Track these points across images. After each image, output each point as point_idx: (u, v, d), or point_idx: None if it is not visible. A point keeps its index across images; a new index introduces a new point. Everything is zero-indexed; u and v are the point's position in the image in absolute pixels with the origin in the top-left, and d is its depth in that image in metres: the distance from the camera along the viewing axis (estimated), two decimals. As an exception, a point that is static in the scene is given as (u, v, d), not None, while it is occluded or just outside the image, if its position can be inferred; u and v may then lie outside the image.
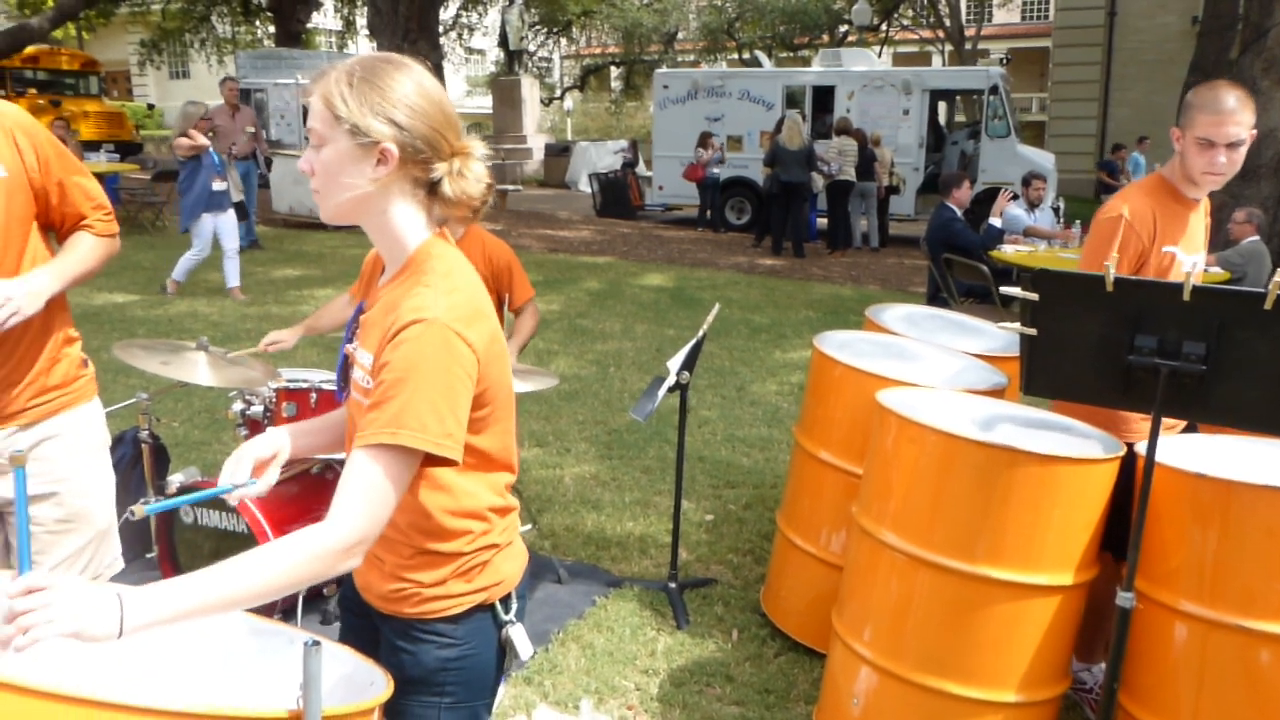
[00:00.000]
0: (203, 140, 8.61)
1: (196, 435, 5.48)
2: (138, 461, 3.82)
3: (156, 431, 3.93)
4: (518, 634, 1.66)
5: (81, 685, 1.04)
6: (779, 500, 4.70)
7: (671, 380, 3.52)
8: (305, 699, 1.13)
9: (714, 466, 5.25)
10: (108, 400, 2.57)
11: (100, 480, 2.38)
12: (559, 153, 22.53)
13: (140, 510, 1.61)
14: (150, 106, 35.58)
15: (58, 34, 24.04)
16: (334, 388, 1.77)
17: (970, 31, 28.25)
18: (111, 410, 2.66)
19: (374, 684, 1.46)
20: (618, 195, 17.03)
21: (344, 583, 1.76)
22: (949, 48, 28.89)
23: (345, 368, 1.60)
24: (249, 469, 1.64)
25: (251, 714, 1.12)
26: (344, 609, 1.81)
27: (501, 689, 3.16)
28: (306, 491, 3.60)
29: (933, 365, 3.48)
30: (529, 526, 4.15)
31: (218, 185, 8.69)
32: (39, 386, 2.21)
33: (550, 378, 3.74)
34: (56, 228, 2.25)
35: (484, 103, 33.08)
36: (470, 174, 1.51)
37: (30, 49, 20.10)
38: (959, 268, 7.26)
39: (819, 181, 12.99)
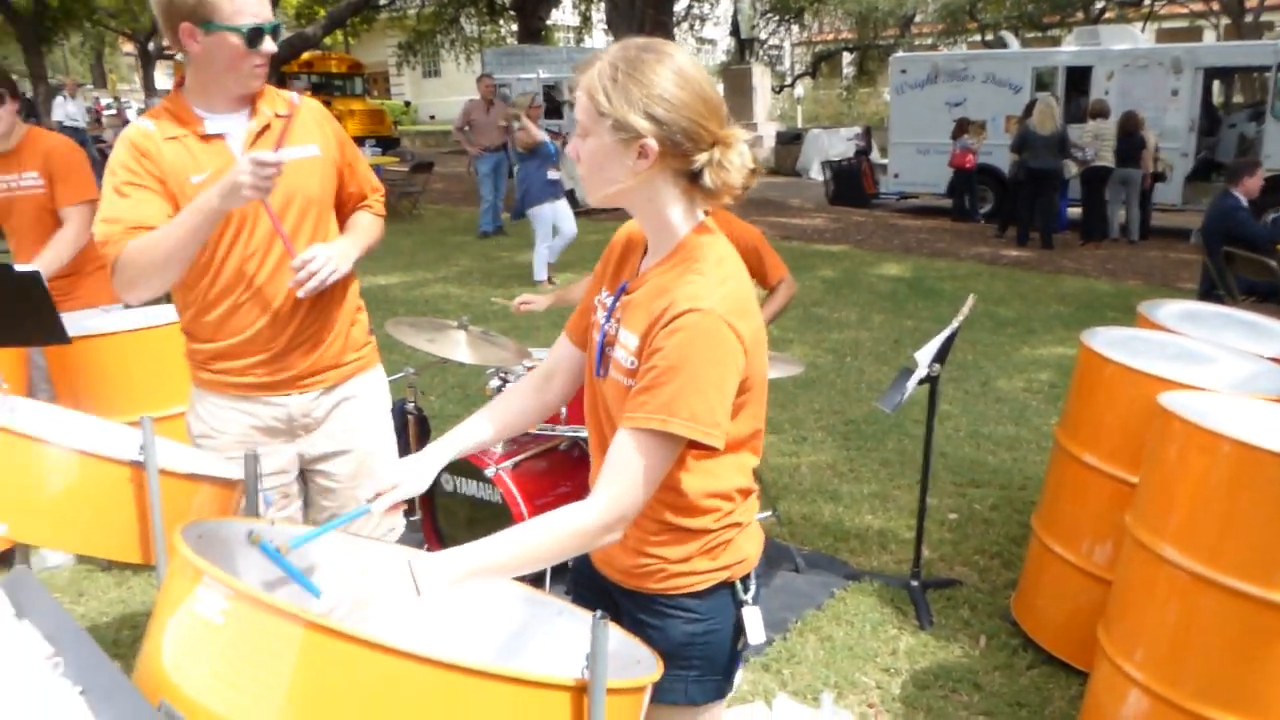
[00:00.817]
0: (540, 135, 8.96)
1: (450, 409, 5.83)
2: (403, 432, 4.10)
3: (420, 405, 4.21)
4: (752, 616, 1.68)
5: (399, 641, 1.11)
6: (1029, 503, 4.45)
7: (922, 372, 3.39)
8: (591, 671, 1.15)
9: (957, 463, 5.03)
10: (376, 374, 2.77)
11: (388, 440, 2.59)
12: (790, 140, 22.26)
13: (257, 539, 1.62)
14: (407, 104, 38.26)
15: (328, 40, 26.22)
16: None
17: (1251, 3, 25.51)
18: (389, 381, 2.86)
19: (640, 661, 1.48)
20: (851, 183, 16.61)
21: (577, 559, 1.79)
22: (1224, 21, 26.21)
23: (603, 346, 1.62)
24: (385, 505, 1.68)
25: (539, 679, 1.15)
26: (575, 584, 1.84)
27: (739, 673, 3.17)
28: (555, 467, 3.74)
29: (1222, 368, 3.17)
30: (769, 513, 4.13)
31: (553, 175, 9.00)
32: (340, 349, 2.43)
33: (795, 365, 3.69)
34: (339, 207, 2.46)
35: (715, 92, 33.17)
36: (730, 164, 1.50)
37: (306, 55, 22.04)
38: (1241, 262, 6.58)
39: (1072, 168, 12.14)
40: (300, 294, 2.21)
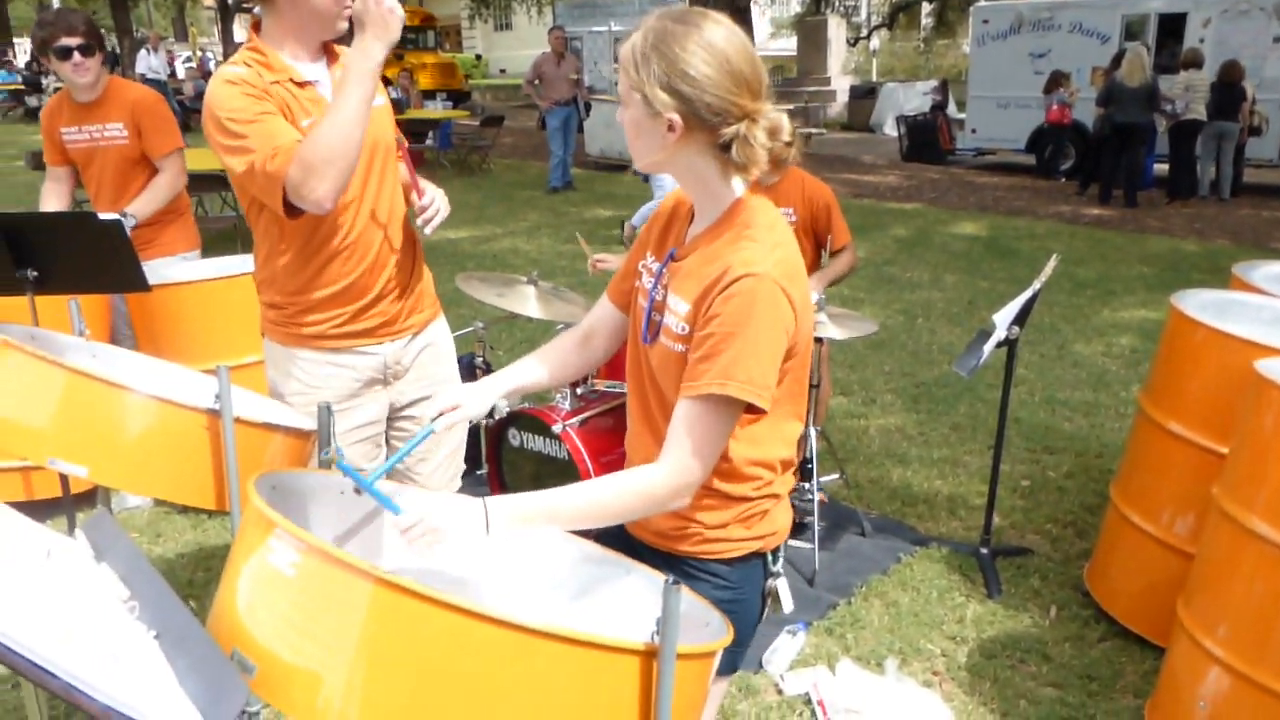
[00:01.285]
0: None
1: (517, 364, 5.85)
2: (471, 385, 4.13)
3: (488, 359, 4.23)
4: (782, 586, 1.70)
5: (462, 598, 1.10)
6: (1105, 471, 4.33)
7: (1000, 335, 3.29)
8: (663, 635, 1.14)
9: (1031, 429, 4.91)
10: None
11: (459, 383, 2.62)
12: (864, 95, 21.75)
13: (333, 459, 1.72)
14: (478, 57, 38.20)
15: (402, -9, 26.20)
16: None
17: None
18: (456, 335, 2.87)
19: (709, 624, 1.46)
20: (926, 139, 16.20)
21: None
22: (1332, -34, 24.76)
23: (650, 312, 1.62)
24: (447, 423, 1.74)
25: (609, 642, 1.14)
26: (603, 545, 1.83)
27: (802, 637, 3.16)
28: (621, 425, 3.71)
29: (1321, 333, 3.01)
30: (836, 476, 4.08)
31: None
32: (419, 294, 2.49)
33: (869, 324, 3.61)
34: None
35: (787, 45, 32.57)
36: (755, 140, 1.48)
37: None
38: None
39: (1161, 122, 11.65)
40: (428, 231, 2.32)
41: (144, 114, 3.74)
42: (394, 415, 2.55)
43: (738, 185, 1.56)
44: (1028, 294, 3.40)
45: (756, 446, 1.59)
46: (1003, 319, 3.35)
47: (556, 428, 3.50)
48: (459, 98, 22.89)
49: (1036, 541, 3.83)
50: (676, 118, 1.47)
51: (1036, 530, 3.92)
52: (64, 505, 2.99)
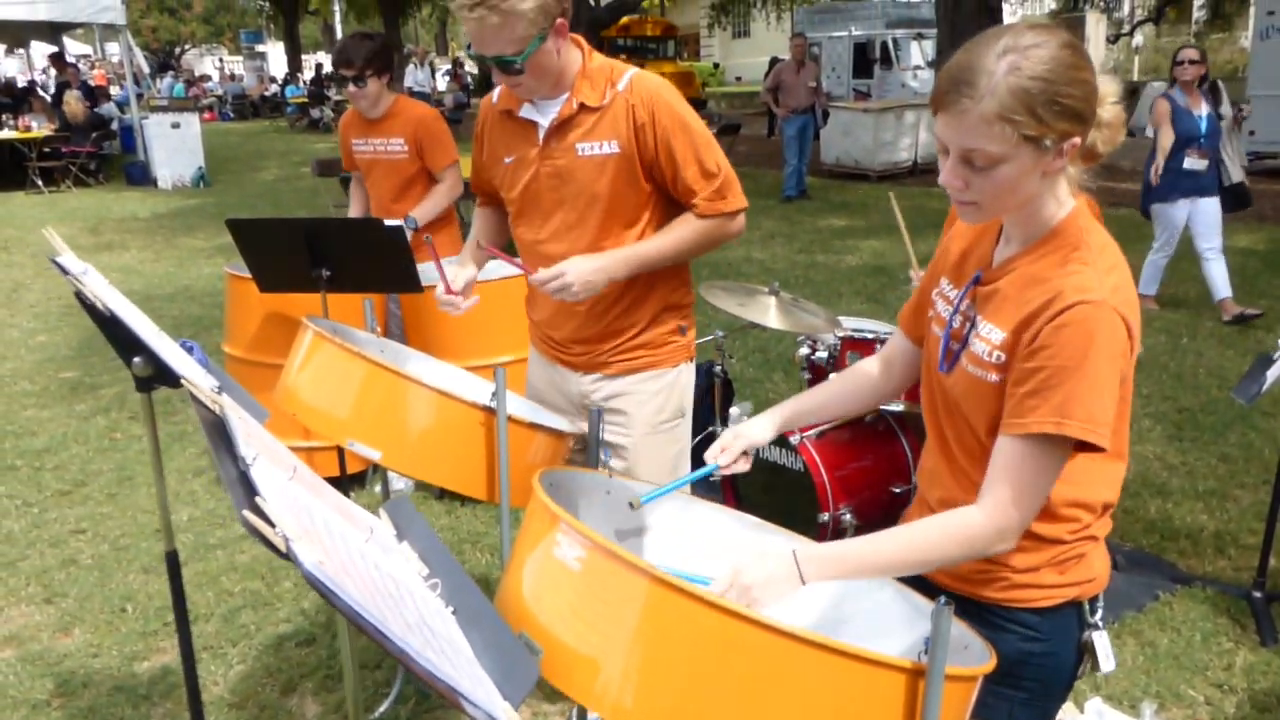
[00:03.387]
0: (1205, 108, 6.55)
1: (751, 373, 5.92)
2: (708, 393, 4.22)
3: (725, 367, 4.30)
4: (1102, 641, 1.54)
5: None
6: None
7: (1288, 362, 3.01)
8: (932, 656, 1.14)
9: (1316, 466, 4.44)
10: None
11: (659, 447, 2.44)
12: (1125, 95, 20.28)
13: (637, 503, 1.72)
14: (715, 65, 38.68)
15: (645, 4, 27.00)
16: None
17: None
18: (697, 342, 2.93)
19: (969, 647, 1.43)
20: (1195, 143, 14.93)
21: None
22: None
23: (948, 339, 1.53)
24: (730, 457, 1.75)
25: (877, 658, 1.16)
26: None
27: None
28: (858, 439, 3.71)
29: None
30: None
31: (1192, 163, 6.50)
32: (619, 347, 2.38)
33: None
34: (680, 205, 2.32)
35: (1040, 44, 30.80)
36: (1108, 120, 1.43)
37: (625, 19, 22.84)
38: None
39: None
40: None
41: (425, 133, 4.09)
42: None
43: (1066, 200, 1.45)
44: (1322, 318, 3.09)
45: (1077, 486, 1.47)
46: (1290, 345, 3.06)
47: (794, 439, 3.53)
48: (696, 106, 23.18)
49: (1321, 590, 3.48)
50: (1077, 139, 1.36)
51: (1321, 578, 3.56)
52: (341, 485, 3.31)
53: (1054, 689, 1.57)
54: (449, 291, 2.37)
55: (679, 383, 2.45)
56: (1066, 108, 1.31)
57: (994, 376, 1.43)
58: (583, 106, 2.19)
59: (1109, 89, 1.43)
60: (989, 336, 1.44)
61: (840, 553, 1.41)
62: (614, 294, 2.31)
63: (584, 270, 2.19)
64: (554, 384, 2.51)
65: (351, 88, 3.99)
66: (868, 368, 1.82)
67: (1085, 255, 1.38)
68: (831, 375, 1.83)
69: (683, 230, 2.26)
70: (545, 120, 2.23)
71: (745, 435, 1.76)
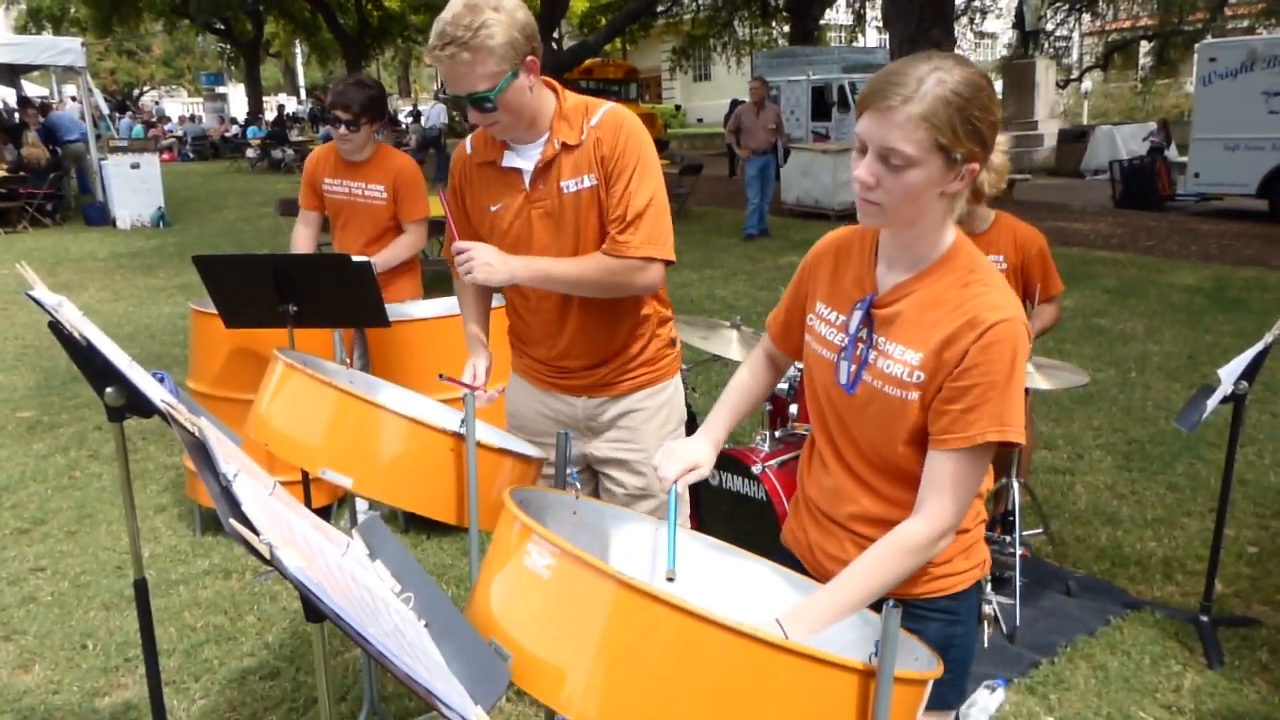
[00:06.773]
0: None
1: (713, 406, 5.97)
2: (672, 425, 4.28)
3: (689, 400, 4.37)
4: (990, 608, 1.72)
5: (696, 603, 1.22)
6: (1348, 543, 4.00)
7: (1226, 389, 3.14)
8: (882, 657, 1.20)
9: (1260, 493, 4.59)
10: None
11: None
12: (1074, 139, 20.87)
13: (672, 574, 1.63)
14: (677, 107, 39.22)
15: (607, 47, 27.40)
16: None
17: None
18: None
19: (917, 658, 1.50)
20: (1143, 184, 15.35)
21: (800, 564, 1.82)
22: None
23: (847, 361, 1.61)
24: (684, 482, 1.80)
25: (831, 659, 1.22)
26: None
27: (1001, 693, 3.09)
28: (818, 468, 3.78)
29: None
30: (1039, 531, 3.97)
31: None
32: (620, 365, 2.44)
33: (1080, 375, 3.51)
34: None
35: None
36: (994, 165, 1.55)
37: (587, 62, 23.15)
38: None
39: None
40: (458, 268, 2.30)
41: (404, 183, 4.13)
42: (595, 468, 2.56)
43: (951, 228, 1.56)
44: (1258, 347, 3.24)
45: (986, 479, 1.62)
46: (1229, 374, 3.20)
47: (756, 469, 3.59)
48: (659, 146, 23.47)
49: (1265, 612, 3.59)
50: (975, 165, 1.45)
51: (1265, 600, 3.67)
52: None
53: (968, 664, 1.71)
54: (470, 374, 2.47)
55: (676, 393, 2.57)
56: (977, 129, 1.43)
57: (913, 395, 1.53)
58: (564, 146, 2.25)
59: (1002, 140, 1.55)
60: (903, 358, 1.53)
61: (819, 607, 1.50)
62: (620, 316, 2.39)
63: (491, 259, 2.23)
64: (545, 410, 2.52)
65: (343, 130, 4.02)
66: (758, 364, 1.96)
67: (983, 277, 1.51)
68: (731, 380, 1.91)
69: (589, 261, 2.27)
70: (529, 164, 2.27)
71: (679, 456, 1.80)
